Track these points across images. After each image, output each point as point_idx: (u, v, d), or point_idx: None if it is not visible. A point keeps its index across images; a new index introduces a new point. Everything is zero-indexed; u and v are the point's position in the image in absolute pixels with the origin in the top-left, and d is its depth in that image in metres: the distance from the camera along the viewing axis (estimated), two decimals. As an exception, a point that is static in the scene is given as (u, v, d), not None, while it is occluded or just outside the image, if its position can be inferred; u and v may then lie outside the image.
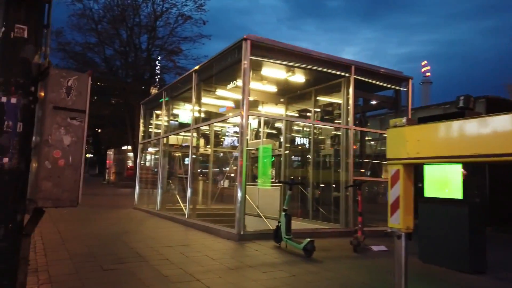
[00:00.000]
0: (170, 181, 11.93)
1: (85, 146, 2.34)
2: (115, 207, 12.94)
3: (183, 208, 9.32)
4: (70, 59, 27.38)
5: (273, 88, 9.72)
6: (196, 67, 8.99)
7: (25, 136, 2.19)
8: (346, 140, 8.13)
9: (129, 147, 28.39)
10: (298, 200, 9.54)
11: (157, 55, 28.81)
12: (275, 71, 8.39)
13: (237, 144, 10.21)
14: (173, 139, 12.02)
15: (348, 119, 8.19)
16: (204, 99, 9.92)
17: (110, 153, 32.97)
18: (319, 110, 10.06)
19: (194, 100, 9.07)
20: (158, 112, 12.67)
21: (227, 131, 14.91)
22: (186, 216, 8.77)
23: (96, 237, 6.63)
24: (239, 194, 6.66)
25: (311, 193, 9.34)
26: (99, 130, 42.60)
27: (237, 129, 12.87)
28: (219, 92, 9.77)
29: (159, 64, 30.23)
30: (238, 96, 8.05)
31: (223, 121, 11.83)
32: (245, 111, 6.78)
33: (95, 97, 35.20)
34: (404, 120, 3.68)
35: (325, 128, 10.29)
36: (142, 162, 14.10)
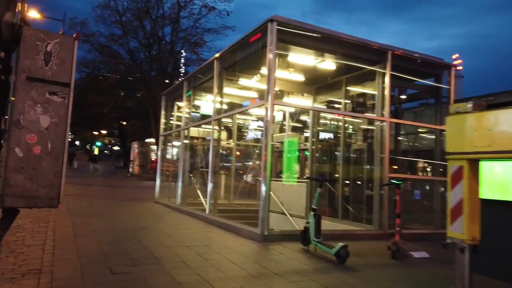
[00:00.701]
0: (191, 175, 11.51)
1: (69, 130, 1.82)
2: (136, 200, 12.68)
3: (204, 203, 8.86)
4: (95, 51, 27.56)
5: (300, 77, 9.06)
6: (217, 54, 8.44)
7: (-8, 115, 1.69)
8: (381, 133, 7.40)
9: (153, 140, 28.36)
10: (326, 198, 8.88)
11: (181, 47, 28.58)
12: (303, 58, 7.74)
13: (260, 137, 9.65)
14: (194, 132, 11.58)
15: (384, 111, 7.44)
16: (227, 89, 9.38)
17: (135, 145, 33.12)
18: (349, 101, 9.32)
19: (215, 90, 8.55)
20: (179, 103, 12.24)
21: (250, 124, 14.36)
22: (207, 212, 8.31)
23: (111, 234, 6.23)
24: (263, 190, 6.10)
25: (341, 191, 8.66)
26: (124, 123, 42.99)
27: (261, 122, 12.29)
28: (242, 81, 9.21)
29: (183, 57, 30.00)
30: (262, 86, 7.46)
31: (246, 112, 11.30)
32: (270, 101, 6.18)
33: (122, 92, 35.42)
34: (469, 105, 2.98)
35: (356, 120, 9.57)
36: (164, 154, 13.76)
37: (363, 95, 9.11)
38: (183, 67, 31.02)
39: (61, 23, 18.79)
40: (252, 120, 13.97)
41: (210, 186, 8.39)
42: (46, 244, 5.17)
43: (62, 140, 1.78)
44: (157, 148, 22.53)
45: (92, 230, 6.42)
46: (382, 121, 7.42)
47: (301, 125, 12.25)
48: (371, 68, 7.79)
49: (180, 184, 10.55)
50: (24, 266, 4.09)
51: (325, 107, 10.20)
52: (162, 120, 13.10)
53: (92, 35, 25.96)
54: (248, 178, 12.72)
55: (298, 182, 9.59)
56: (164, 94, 13.06)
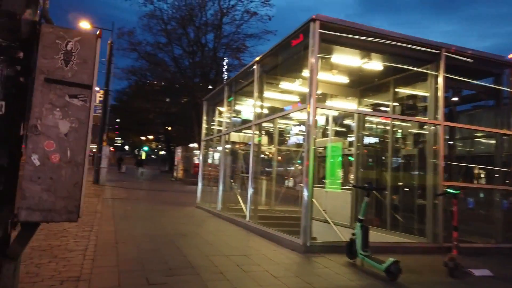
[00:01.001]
0: (232, 180, 11.41)
1: (90, 136, 1.66)
2: (178, 204, 12.80)
3: (244, 209, 8.68)
4: (142, 59, 28.60)
5: (344, 79, 8.66)
6: (258, 58, 8.26)
7: (10, 120, 1.57)
8: (434, 138, 6.83)
9: (196, 145, 28.84)
10: (373, 207, 8.37)
11: (223, 53, 28.91)
12: (347, 58, 7.36)
13: (302, 142, 9.35)
14: (235, 137, 11.48)
15: (437, 115, 6.86)
16: (267, 93, 9.18)
17: (178, 150, 33.91)
18: (398, 104, 8.75)
19: (256, 94, 8.37)
20: (220, 108, 12.23)
21: (292, 129, 14.05)
22: (247, 219, 8.11)
23: (151, 240, 6.20)
24: (305, 197, 5.79)
25: (389, 199, 8.12)
26: (169, 128, 44.27)
27: (303, 127, 11.95)
28: (283, 85, 8.96)
29: (226, 64, 30.31)
30: (304, 89, 7.17)
31: (287, 116, 11.03)
32: (312, 104, 5.89)
33: (167, 98, 36.45)
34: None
35: (404, 124, 8.96)
36: (205, 159, 13.81)
37: (413, 97, 8.51)
38: (226, 73, 31.36)
39: (109, 33, 19.61)
40: (293, 125, 13.67)
41: (250, 191, 8.21)
42: (88, 249, 5.19)
43: (83, 147, 1.63)
44: (199, 153, 22.84)
45: (133, 236, 6.43)
46: (435, 124, 6.85)
47: (345, 129, 11.77)
48: (423, 68, 7.25)
49: (220, 189, 10.47)
50: (64, 273, 4.08)
51: (371, 110, 9.69)
52: (204, 125, 13.15)
53: (139, 43, 26.94)
54: (290, 183, 12.41)
55: (342, 189, 9.16)
56: (205, 99, 13.12)
